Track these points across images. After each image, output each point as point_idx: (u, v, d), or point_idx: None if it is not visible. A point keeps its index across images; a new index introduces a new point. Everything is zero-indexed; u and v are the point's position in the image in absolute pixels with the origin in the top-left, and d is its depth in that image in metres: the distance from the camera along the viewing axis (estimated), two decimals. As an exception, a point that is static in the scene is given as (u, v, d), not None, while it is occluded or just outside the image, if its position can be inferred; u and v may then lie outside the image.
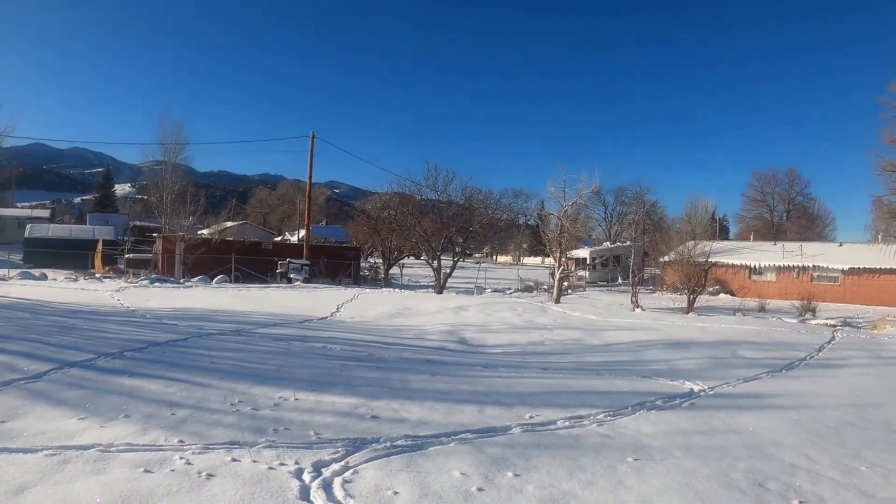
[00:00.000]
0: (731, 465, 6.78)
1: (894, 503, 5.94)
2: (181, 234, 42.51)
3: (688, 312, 29.65)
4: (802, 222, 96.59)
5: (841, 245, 55.90)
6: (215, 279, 36.55)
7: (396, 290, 39.19)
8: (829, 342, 19.81)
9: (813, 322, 27.92)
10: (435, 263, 42.53)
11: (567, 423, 8.16)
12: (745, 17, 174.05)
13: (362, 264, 52.31)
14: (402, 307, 23.94)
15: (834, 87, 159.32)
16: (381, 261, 51.06)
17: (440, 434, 7.21)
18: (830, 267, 48.19)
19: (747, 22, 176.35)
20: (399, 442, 6.77)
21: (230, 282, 37.05)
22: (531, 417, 8.31)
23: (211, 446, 6.21)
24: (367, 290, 35.31)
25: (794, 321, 27.72)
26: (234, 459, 5.85)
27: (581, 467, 6.32)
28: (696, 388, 11.35)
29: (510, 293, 42.31)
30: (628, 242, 67.27)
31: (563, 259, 35.16)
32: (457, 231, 44.58)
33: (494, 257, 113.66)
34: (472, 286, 44.12)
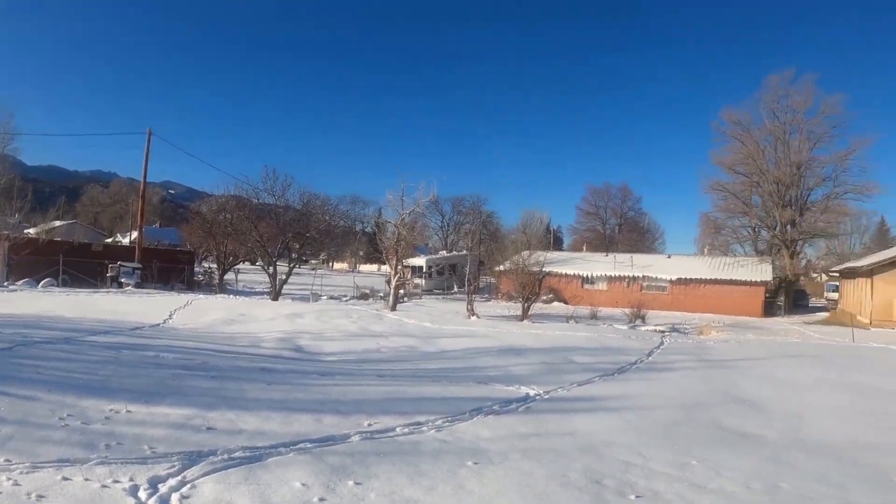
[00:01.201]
0: (568, 465, 7.07)
1: (724, 495, 6.38)
2: (6, 232, 39.22)
3: (522, 320, 30.68)
4: (633, 235, 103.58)
5: (670, 257, 60.17)
6: (42, 282, 34.08)
7: (231, 296, 38.37)
8: (657, 347, 21.16)
9: (643, 328, 29.75)
10: (271, 269, 41.80)
11: (406, 430, 8.22)
12: (583, 38, 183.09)
13: (196, 269, 50.54)
14: (237, 314, 23.32)
15: (669, 109, 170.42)
16: (215, 266, 49.52)
17: (278, 444, 7.05)
18: (659, 277, 51.60)
19: (587, 44, 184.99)
20: (237, 454, 6.56)
21: (58, 285, 34.66)
22: (370, 425, 8.29)
23: (40, 465, 5.73)
24: (201, 295, 34.43)
25: (625, 328, 29.40)
26: (65, 478, 5.44)
27: (422, 473, 6.38)
28: (531, 393, 11.72)
29: (346, 300, 42.19)
30: (464, 251, 68.91)
31: (400, 267, 35.46)
32: (293, 237, 44.09)
33: (331, 264, 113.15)
34: (308, 293, 43.56)
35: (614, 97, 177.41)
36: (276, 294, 40.01)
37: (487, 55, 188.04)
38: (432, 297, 53.16)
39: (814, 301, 68.04)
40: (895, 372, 17.64)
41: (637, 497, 6.11)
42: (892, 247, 58.00)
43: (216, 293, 39.86)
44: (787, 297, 56.24)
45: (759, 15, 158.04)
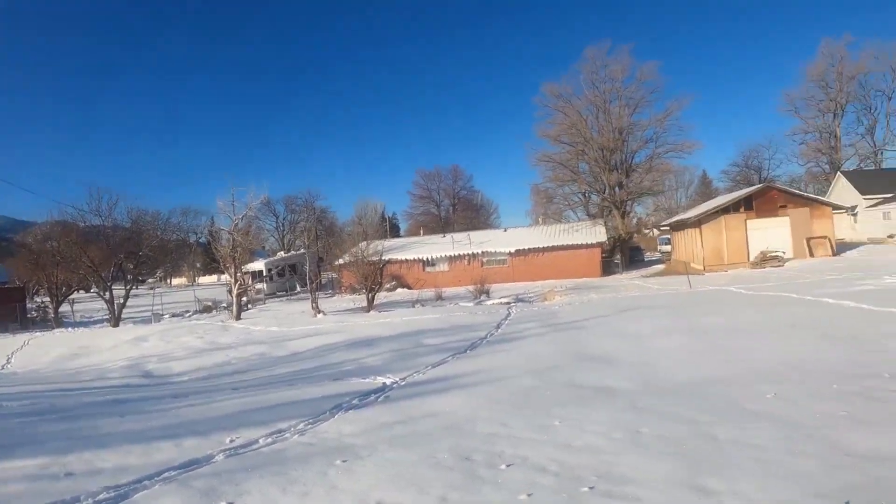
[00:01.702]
0: (435, 447, 7.15)
1: (590, 449, 6.65)
2: None
3: (369, 311, 30.71)
4: (468, 213, 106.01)
5: (506, 230, 61.78)
6: None
7: (69, 329, 36.30)
8: (505, 319, 21.75)
9: (488, 303, 30.47)
10: (107, 295, 39.58)
11: (269, 440, 8.08)
12: (396, 24, 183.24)
13: (29, 305, 47.01)
14: (78, 347, 22.08)
15: (494, 86, 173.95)
16: (49, 299, 46.30)
17: (142, 478, 6.73)
18: (498, 251, 52.91)
19: (403, 30, 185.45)
20: (101, 496, 6.21)
21: None
22: (231, 441, 8.07)
23: None
24: (38, 333, 32.46)
25: (471, 305, 30.03)
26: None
27: (293, 480, 6.30)
28: (388, 382, 11.80)
29: (189, 316, 40.71)
30: (302, 250, 67.98)
31: (239, 274, 34.62)
32: (126, 257, 41.98)
33: (169, 281, 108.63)
34: (149, 314, 41.71)
35: (438, 80, 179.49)
36: (115, 320, 38.15)
37: (315, 53, 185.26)
38: (276, 300, 52.23)
39: (649, 255, 72.00)
40: (731, 310, 18.89)
41: (508, 466, 6.28)
42: (715, 197, 62.45)
43: (53, 328, 37.50)
44: (623, 254, 59.23)
45: None
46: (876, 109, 78.10)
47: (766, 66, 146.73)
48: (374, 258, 35.84)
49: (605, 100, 63.21)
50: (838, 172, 68.65)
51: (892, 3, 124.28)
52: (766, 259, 41.03)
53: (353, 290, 39.12)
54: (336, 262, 46.30)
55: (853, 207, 57.64)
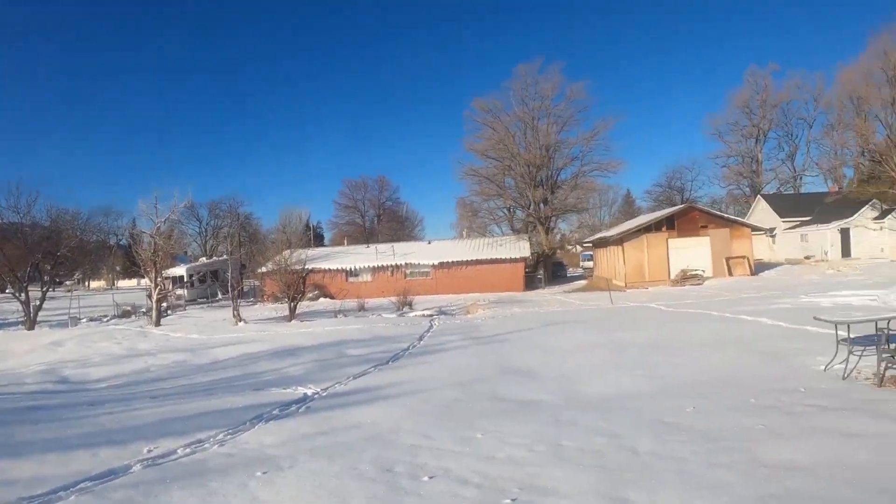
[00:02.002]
0: (357, 458, 7.10)
1: (512, 461, 6.69)
2: None
3: (291, 320, 30.37)
4: (393, 224, 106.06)
5: (430, 243, 61.99)
6: None
7: None
8: (428, 331, 21.78)
9: (411, 315, 30.45)
10: (22, 296, 38.02)
11: (188, 450, 7.88)
12: (331, 30, 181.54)
13: None
14: None
15: (424, 98, 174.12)
16: None
17: (58, 488, 6.48)
18: (422, 263, 53.01)
19: (337, 37, 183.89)
20: None
21: None
22: (150, 451, 7.85)
23: None
24: None
25: (394, 316, 29.98)
26: None
27: (212, 492, 6.18)
28: (309, 392, 11.66)
29: (108, 321, 39.49)
30: (225, 256, 66.83)
31: (160, 279, 33.78)
32: (44, 257, 40.36)
33: (87, 283, 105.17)
34: (66, 317, 40.27)
35: (367, 89, 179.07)
36: (31, 323, 36.70)
37: (240, 57, 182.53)
38: (197, 306, 51.19)
39: (571, 271, 73.24)
40: (651, 327, 19.29)
41: (430, 478, 6.27)
42: (638, 216, 63.94)
43: (-37, 330, 35.83)
44: (547, 269, 59.97)
45: (509, 5, 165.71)
46: (797, 136, 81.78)
47: (692, 92, 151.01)
48: (298, 267, 35.47)
49: (533, 117, 64.24)
50: (758, 195, 71.35)
51: (816, 36, 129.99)
52: (686, 277, 42.12)
53: (276, 299, 38.68)
54: (259, 270, 45.66)
55: (772, 229, 59.71)
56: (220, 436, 8.56)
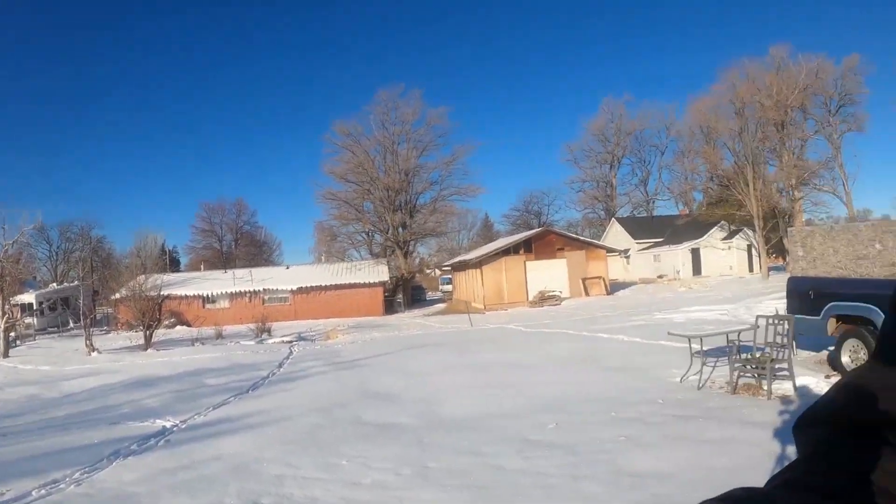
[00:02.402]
0: (222, 491, 6.93)
1: (379, 486, 6.66)
2: None
3: (146, 349, 29.10)
4: (251, 249, 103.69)
5: (288, 268, 60.94)
6: None
7: None
8: (287, 358, 21.40)
9: (270, 341, 29.82)
10: None
11: (43, 492, 7.41)
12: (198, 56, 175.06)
13: None
14: None
15: (284, 120, 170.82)
16: None
17: None
18: (280, 288, 52.09)
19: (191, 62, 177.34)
20: None
21: None
22: (1, 495, 7.29)
23: None
24: None
25: (253, 343, 29.27)
26: None
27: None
28: (168, 425, 11.20)
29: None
30: (76, 282, 63.42)
31: (7, 306, 31.67)
32: None
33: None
34: None
35: (224, 110, 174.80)
36: None
37: (92, 73, 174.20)
38: (47, 336, 48.29)
39: (431, 294, 73.51)
40: (511, 347, 19.67)
41: (295, 506, 6.12)
42: (496, 239, 65.30)
43: None
44: (406, 293, 60.13)
45: (370, 30, 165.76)
46: (649, 163, 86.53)
47: (550, 120, 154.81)
48: (153, 293, 34.13)
49: (393, 141, 64.34)
50: (613, 218, 74.70)
51: (669, 69, 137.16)
52: (544, 298, 43.20)
53: (130, 327, 36.98)
54: (112, 297, 43.66)
55: (626, 250, 62.48)
56: (77, 474, 8.09)
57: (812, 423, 0.83)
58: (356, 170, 63.45)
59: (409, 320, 42.04)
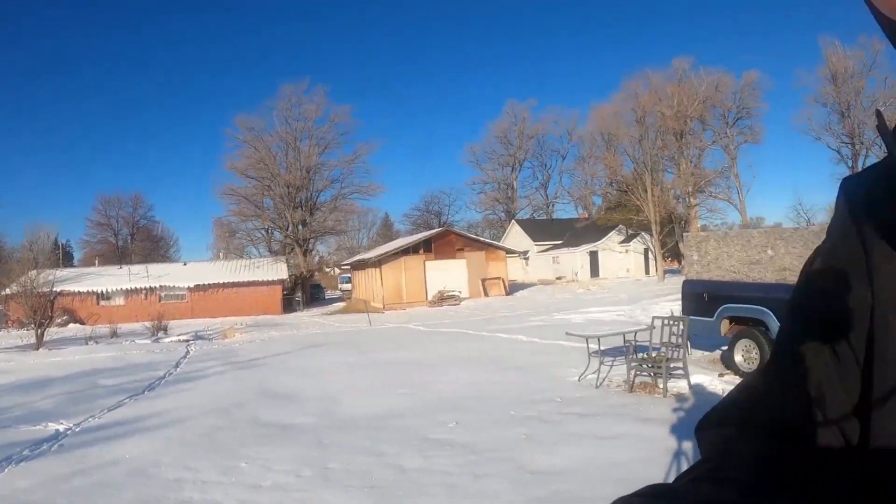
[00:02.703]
0: (118, 497, 6.74)
1: (280, 488, 6.58)
2: None
3: (38, 348, 27.83)
4: (147, 244, 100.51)
5: (186, 264, 59.29)
6: None
7: None
8: (184, 357, 20.91)
9: (167, 340, 29.02)
10: None
11: (-71, 502, 6.96)
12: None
13: None
14: None
15: (182, 116, 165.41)
16: None
17: None
18: (177, 285, 50.72)
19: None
20: None
21: None
22: None
23: None
24: None
25: (149, 342, 28.42)
26: None
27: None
28: (61, 428, 10.74)
29: None
30: (-41, 278, 60.14)
31: None
32: None
33: None
34: None
35: (126, 102, 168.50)
36: None
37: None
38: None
39: (330, 293, 72.97)
40: (409, 346, 19.72)
41: (195, 510, 5.98)
42: (396, 239, 65.28)
43: None
44: (305, 292, 59.43)
45: (274, 23, 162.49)
46: (550, 167, 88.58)
47: (453, 121, 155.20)
48: (45, 289, 32.73)
49: (296, 137, 63.59)
50: (513, 220, 75.84)
51: (573, 76, 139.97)
52: (443, 298, 43.48)
53: (21, 325, 35.36)
54: (2, 293, 41.66)
55: (525, 252, 63.50)
56: (-38, 485, 7.69)
57: (715, 424, 0.86)
58: (257, 165, 62.38)
59: (308, 319, 41.62)
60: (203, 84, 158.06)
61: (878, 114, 0.74)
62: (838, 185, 0.84)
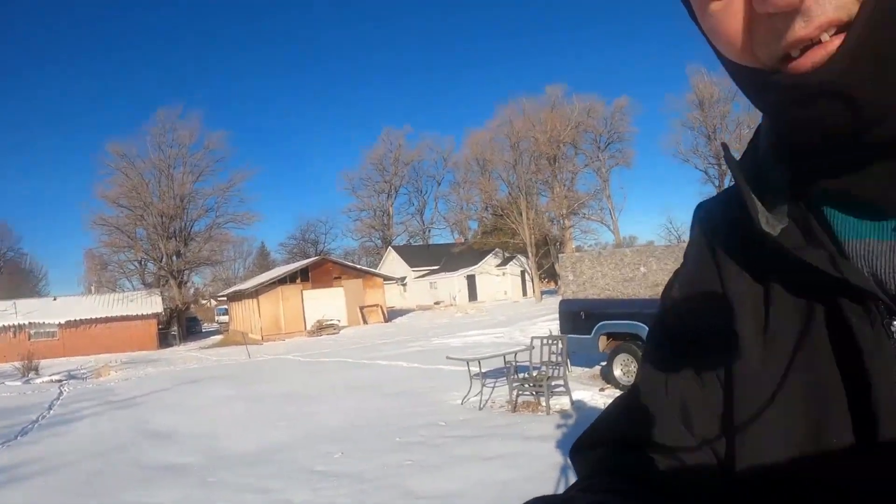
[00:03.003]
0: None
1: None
2: None
3: None
4: (14, 278, 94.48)
5: (56, 299, 56.30)
6: None
7: None
8: (58, 398, 20.02)
9: (38, 381, 27.54)
10: None
11: None
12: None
13: None
14: None
15: (50, 143, 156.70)
16: None
17: None
18: (48, 322, 48.17)
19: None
20: None
21: None
22: None
23: None
24: None
25: (19, 383, 26.86)
26: None
27: None
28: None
29: None
30: None
31: None
32: None
33: None
34: None
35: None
36: None
37: None
38: None
39: (207, 326, 71.01)
40: (290, 377, 19.44)
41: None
42: (273, 268, 64.19)
43: None
44: (181, 325, 57.58)
45: (147, 46, 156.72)
46: (426, 193, 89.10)
47: (329, 148, 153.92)
48: None
49: (169, 164, 61.54)
50: (389, 247, 75.78)
51: (448, 102, 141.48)
52: (322, 327, 43.03)
53: None
54: None
55: (403, 278, 63.57)
56: None
57: (589, 446, 0.88)
58: (129, 194, 60.00)
59: (185, 353, 40.40)
60: (74, 108, 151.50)
61: (724, 146, 0.78)
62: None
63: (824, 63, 0.54)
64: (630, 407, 0.86)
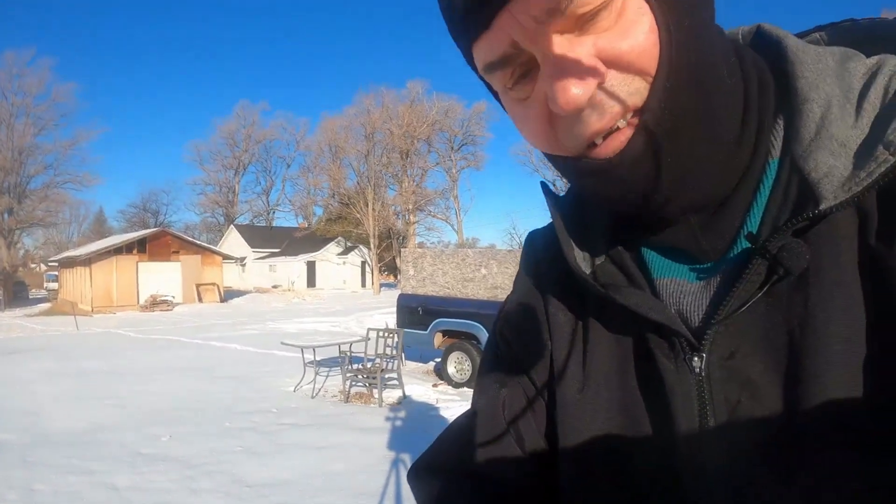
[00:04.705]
0: None
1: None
2: None
3: None
4: None
5: None
6: None
7: None
8: None
9: None
10: None
11: None
12: None
13: None
14: None
15: None
16: None
17: None
18: None
19: None
20: None
21: None
22: None
23: None
24: None
25: None
26: None
27: None
28: None
29: None
30: None
31: None
32: None
33: None
34: None
35: None
36: None
37: None
38: None
39: (35, 292, 66.29)
40: (119, 354, 18.49)
41: None
42: (109, 237, 60.66)
43: None
44: (7, 290, 53.47)
45: None
46: (275, 173, 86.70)
47: (179, 116, 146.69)
48: None
49: (11, 114, 55.62)
50: (232, 225, 73.22)
51: (310, 84, 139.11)
52: (156, 303, 41.12)
53: None
54: None
55: (242, 258, 61.72)
56: None
57: (427, 472, 0.89)
58: (-38, 142, 54.66)
59: (9, 321, 37.57)
60: None
61: (543, 185, 0.81)
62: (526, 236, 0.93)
63: (623, 147, 0.59)
64: (470, 430, 0.87)
